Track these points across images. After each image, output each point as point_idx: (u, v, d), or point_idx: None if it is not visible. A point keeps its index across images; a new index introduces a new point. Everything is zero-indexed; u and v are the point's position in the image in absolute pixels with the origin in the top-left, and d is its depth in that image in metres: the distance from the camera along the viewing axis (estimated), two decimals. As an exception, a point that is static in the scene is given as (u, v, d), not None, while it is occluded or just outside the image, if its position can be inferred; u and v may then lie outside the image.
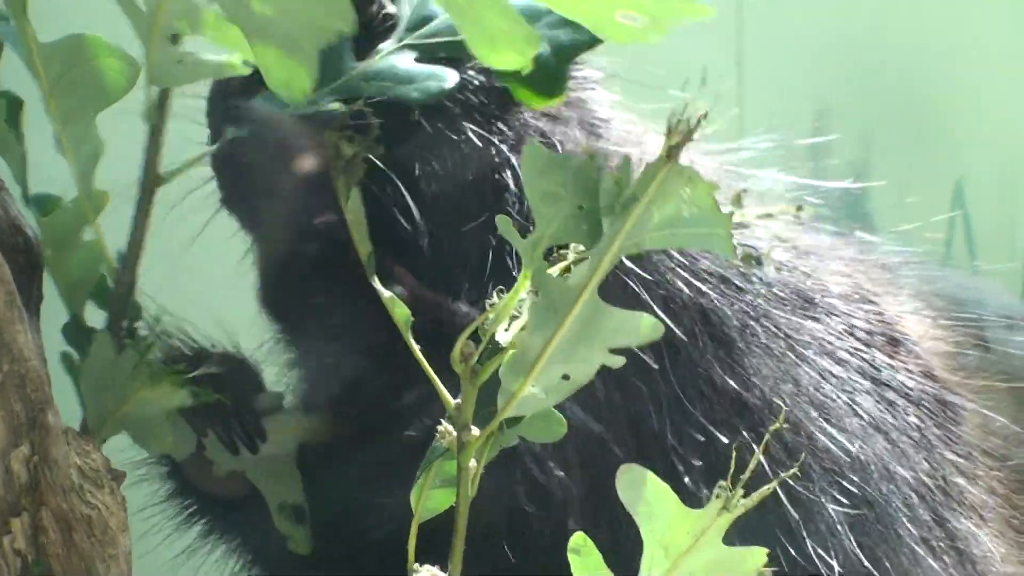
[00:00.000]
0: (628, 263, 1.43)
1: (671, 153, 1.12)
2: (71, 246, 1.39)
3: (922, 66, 2.94)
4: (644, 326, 1.17)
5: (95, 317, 1.44)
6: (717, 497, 1.12)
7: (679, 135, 1.12)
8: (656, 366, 1.44)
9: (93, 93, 1.33)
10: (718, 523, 1.13)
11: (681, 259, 1.49)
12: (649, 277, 1.46)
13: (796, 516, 1.44)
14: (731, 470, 1.14)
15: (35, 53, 1.30)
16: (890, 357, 1.61)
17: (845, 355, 1.57)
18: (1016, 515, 1.67)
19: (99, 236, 1.39)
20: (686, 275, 1.49)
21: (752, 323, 1.52)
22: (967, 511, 1.60)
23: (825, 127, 2.55)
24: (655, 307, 1.43)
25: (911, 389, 1.61)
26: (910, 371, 1.62)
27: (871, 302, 1.65)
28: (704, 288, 1.50)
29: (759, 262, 1.23)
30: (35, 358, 1.31)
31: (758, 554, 1.15)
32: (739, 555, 1.15)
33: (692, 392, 1.46)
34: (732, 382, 1.48)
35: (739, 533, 1.16)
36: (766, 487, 1.14)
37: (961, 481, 1.61)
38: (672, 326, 1.39)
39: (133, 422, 1.41)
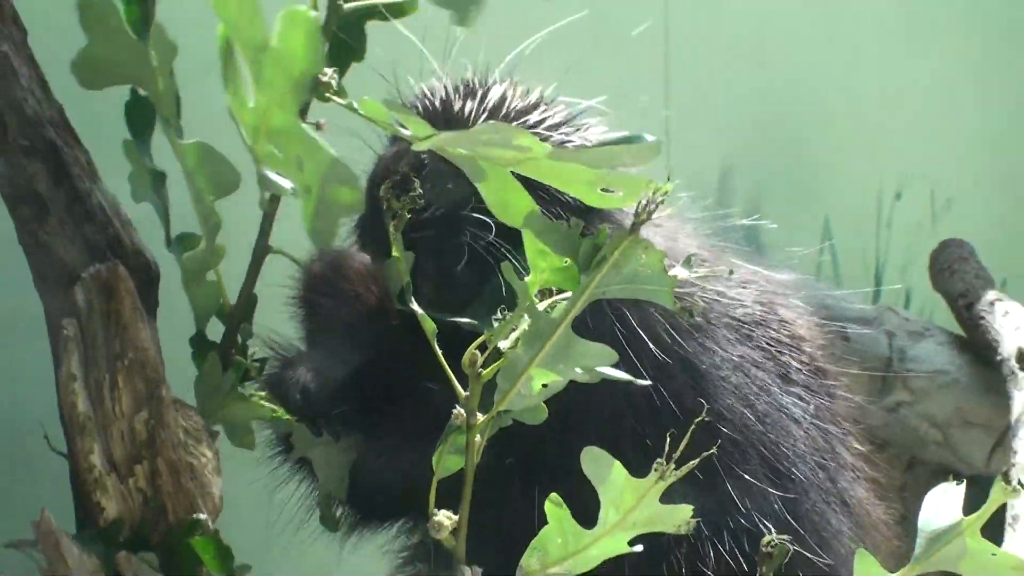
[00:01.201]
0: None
1: (634, 228, 1.28)
2: (199, 281, 1.47)
3: (804, 126, 2.99)
4: (599, 353, 1.31)
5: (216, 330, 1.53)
6: (655, 470, 1.25)
7: (644, 215, 1.28)
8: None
9: (212, 186, 1.38)
10: (656, 488, 1.25)
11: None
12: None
13: (738, 491, 1.50)
14: (665, 451, 1.25)
15: (179, 148, 1.37)
16: (793, 358, 1.64)
17: (770, 365, 1.61)
18: (869, 464, 1.71)
19: (219, 277, 1.48)
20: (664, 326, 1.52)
21: (704, 350, 1.55)
22: (847, 471, 1.65)
23: (730, 175, 2.69)
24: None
25: (810, 383, 1.65)
26: (808, 367, 1.66)
27: (779, 315, 1.67)
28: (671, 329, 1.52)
29: (691, 313, 1.37)
30: (152, 348, 1.42)
31: (684, 510, 1.28)
32: (670, 511, 1.27)
33: (660, 401, 1.47)
34: (692, 393, 1.50)
35: (700, 505, 1.29)
36: (690, 463, 1.25)
37: (842, 449, 1.65)
38: (634, 359, 1.43)
39: (228, 423, 1.52)
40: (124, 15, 1.36)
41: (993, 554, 1.30)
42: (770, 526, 1.48)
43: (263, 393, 1.52)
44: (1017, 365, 2.24)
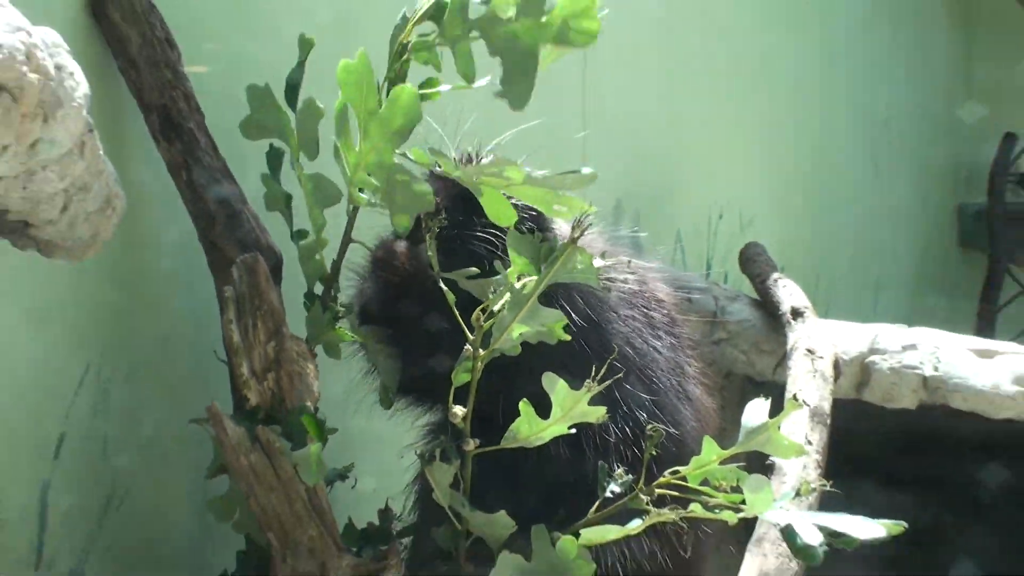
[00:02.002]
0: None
1: (574, 239, 1.33)
2: (310, 259, 1.47)
3: (665, 169, 2.93)
4: (553, 315, 1.33)
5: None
6: (584, 387, 1.28)
7: (579, 230, 1.32)
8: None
9: (320, 200, 1.42)
10: (584, 396, 1.28)
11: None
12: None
13: (624, 396, 1.47)
14: (592, 378, 1.28)
15: (302, 176, 1.42)
16: (657, 314, 1.62)
17: (643, 319, 1.58)
18: (703, 376, 1.68)
19: (322, 257, 1.47)
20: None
21: (605, 312, 1.53)
22: (690, 379, 1.63)
23: (620, 202, 2.64)
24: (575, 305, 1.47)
25: (667, 328, 1.62)
26: (666, 319, 1.64)
27: (649, 288, 1.64)
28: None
29: (608, 289, 1.45)
30: (277, 303, 1.44)
31: (600, 410, 1.30)
32: (592, 410, 1.30)
33: (581, 344, 1.44)
34: (597, 339, 1.49)
35: (609, 405, 1.33)
36: (598, 386, 1.28)
37: (687, 367, 1.63)
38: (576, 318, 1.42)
39: (325, 344, 1.49)
40: (284, 96, 1.43)
41: (785, 443, 1.31)
42: (644, 415, 1.47)
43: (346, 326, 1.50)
44: (790, 317, 2.23)
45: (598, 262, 1.36)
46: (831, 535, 1.29)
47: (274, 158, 1.49)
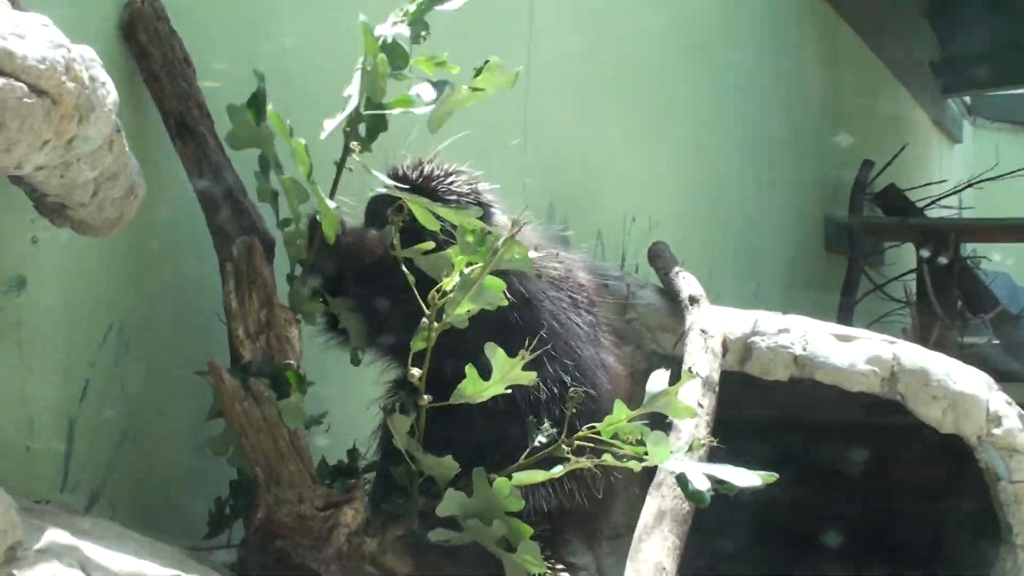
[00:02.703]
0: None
1: (512, 233, 1.31)
2: (292, 243, 1.47)
3: (590, 179, 2.89)
4: (493, 297, 1.33)
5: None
6: (519, 355, 1.28)
7: (517, 227, 1.31)
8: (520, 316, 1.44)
9: (297, 196, 1.42)
10: (518, 363, 1.28)
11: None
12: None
13: (551, 362, 1.45)
14: (522, 352, 1.28)
15: (283, 180, 1.42)
16: (579, 296, 1.60)
17: (567, 300, 1.57)
18: (614, 348, 1.67)
19: (303, 243, 1.46)
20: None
21: (536, 294, 1.52)
22: (605, 350, 1.61)
23: (552, 206, 2.63)
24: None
25: (587, 307, 1.61)
26: (586, 300, 1.62)
27: (574, 275, 1.62)
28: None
29: (539, 276, 1.44)
30: (270, 278, 1.42)
31: (531, 374, 1.31)
32: (525, 374, 1.30)
33: (516, 320, 1.44)
34: (530, 316, 1.48)
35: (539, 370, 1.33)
36: (528, 356, 1.28)
37: (603, 340, 1.62)
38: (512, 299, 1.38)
39: (304, 313, 1.47)
40: (250, 115, 1.42)
41: (681, 406, 1.32)
42: (567, 379, 1.47)
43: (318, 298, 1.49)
44: (688, 303, 2.23)
45: (532, 254, 1.35)
46: (716, 482, 1.30)
47: (263, 161, 1.47)
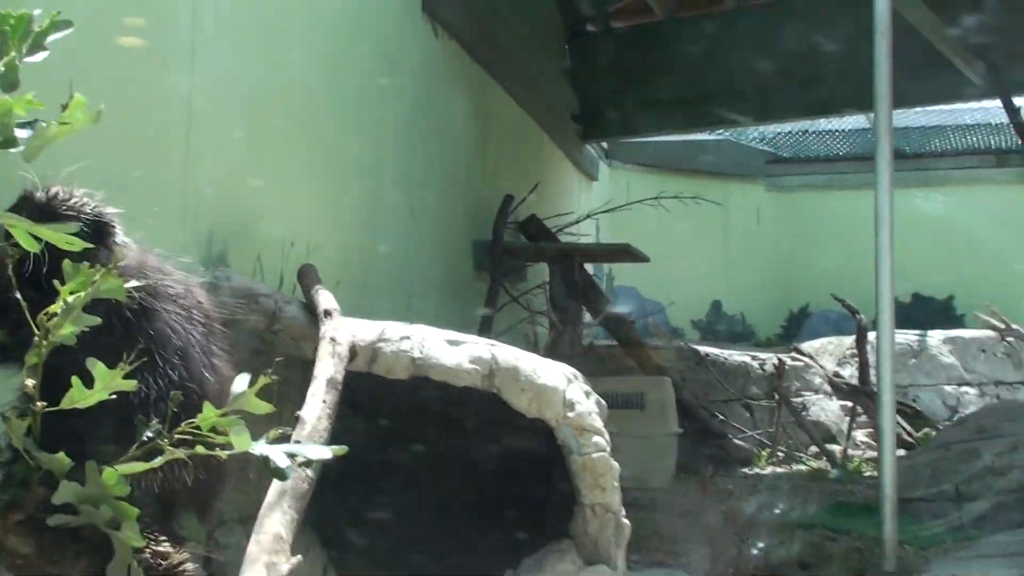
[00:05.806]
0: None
1: (111, 268, 1.28)
2: None
3: (252, 210, 2.77)
4: (92, 320, 1.27)
5: None
6: (120, 366, 1.25)
7: (119, 259, 1.29)
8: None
9: None
10: (119, 373, 1.25)
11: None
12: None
13: (167, 367, 1.41)
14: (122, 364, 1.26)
15: None
16: (196, 311, 1.57)
17: (185, 314, 1.54)
18: (228, 354, 1.62)
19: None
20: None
21: (157, 310, 1.48)
22: (216, 357, 1.58)
23: (214, 229, 2.53)
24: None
25: (201, 321, 1.57)
26: (202, 314, 1.58)
27: (193, 293, 1.59)
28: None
29: (148, 293, 1.41)
30: None
31: (133, 383, 1.28)
32: (120, 380, 1.26)
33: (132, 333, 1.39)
34: (147, 329, 1.43)
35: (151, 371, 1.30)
36: (127, 367, 1.25)
37: (214, 348, 1.59)
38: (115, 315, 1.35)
39: None
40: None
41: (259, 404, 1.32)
42: (177, 382, 1.45)
43: None
44: (323, 316, 2.25)
45: (132, 283, 1.33)
46: (294, 457, 1.34)
47: None
